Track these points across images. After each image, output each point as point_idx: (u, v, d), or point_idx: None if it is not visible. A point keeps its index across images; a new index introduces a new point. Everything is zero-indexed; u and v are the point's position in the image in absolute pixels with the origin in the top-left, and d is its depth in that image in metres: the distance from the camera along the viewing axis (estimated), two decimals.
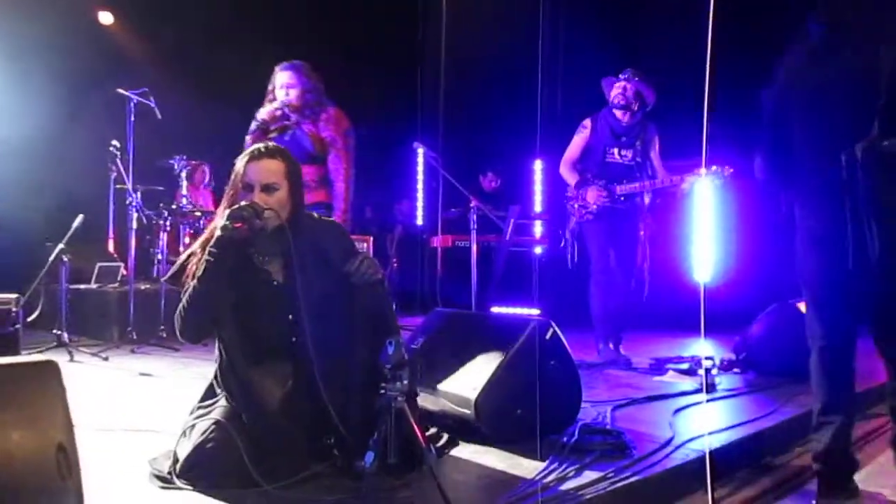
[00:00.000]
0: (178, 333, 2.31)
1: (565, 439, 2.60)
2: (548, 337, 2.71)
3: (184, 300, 2.28)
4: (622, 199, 4.73)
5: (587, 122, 4.86)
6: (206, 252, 2.25)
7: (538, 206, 8.01)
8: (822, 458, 2.43)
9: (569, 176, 4.89)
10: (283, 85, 3.82)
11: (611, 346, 4.73)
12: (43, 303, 5.33)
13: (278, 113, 3.83)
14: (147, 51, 7.41)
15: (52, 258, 4.96)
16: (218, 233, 2.25)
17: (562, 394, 2.76)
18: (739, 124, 7.64)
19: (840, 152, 2.27)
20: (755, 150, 2.76)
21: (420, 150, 5.54)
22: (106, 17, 7.48)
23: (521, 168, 8.12)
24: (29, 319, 4.97)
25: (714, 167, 4.56)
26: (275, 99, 3.85)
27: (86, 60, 6.62)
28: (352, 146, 3.90)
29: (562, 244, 4.96)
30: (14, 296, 4.59)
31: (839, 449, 2.42)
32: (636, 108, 4.73)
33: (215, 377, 2.34)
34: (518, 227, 6.20)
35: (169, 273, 2.47)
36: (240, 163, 2.41)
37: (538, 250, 6.75)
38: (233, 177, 2.43)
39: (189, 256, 2.40)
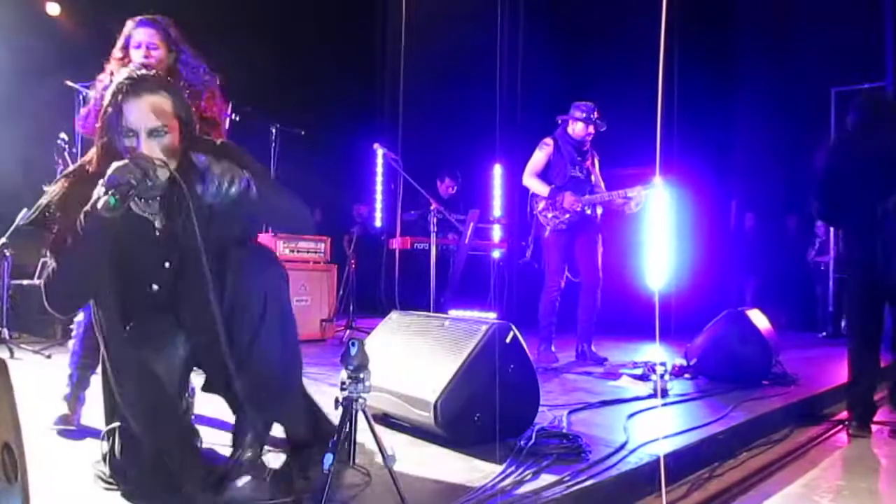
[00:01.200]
0: (46, 303, 1.92)
1: (523, 443, 2.60)
2: (508, 340, 2.70)
3: (50, 267, 1.91)
4: (587, 209, 5.04)
5: (549, 141, 5.12)
6: (79, 219, 1.84)
7: (497, 211, 8.05)
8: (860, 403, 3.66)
9: (539, 186, 5.06)
10: (143, 44, 3.02)
11: (553, 348, 5.02)
12: None
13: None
14: (96, 42, 7.22)
15: None
16: (94, 196, 1.82)
17: (520, 397, 2.75)
18: (694, 133, 7.83)
19: (877, 203, 3.47)
20: (811, 196, 3.82)
21: (380, 152, 5.50)
22: (53, 9, 7.29)
23: (479, 172, 8.14)
24: None
25: (655, 178, 4.90)
26: (126, 60, 3.01)
27: (33, 52, 6.43)
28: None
29: (528, 252, 5.14)
30: None
31: (870, 400, 3.67)
32: (594, 130, 5.09)
33: (102, 362, 2.01)
34: (477, 230, 6.22)
35: (28, 219, 2.19)
36: (110, 96, 1.95)
37: (496, 254, 6.77)
38: (103, 112, 1.99)
39: (51, 207, 2.00)
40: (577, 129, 5.05)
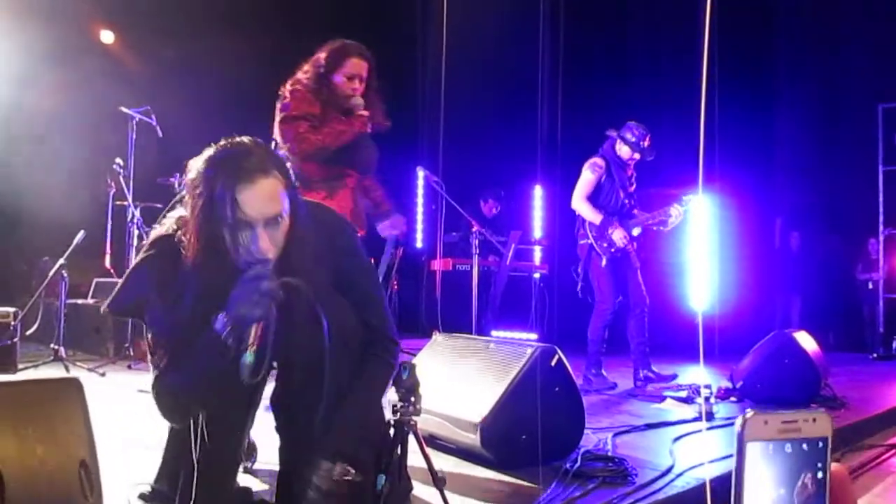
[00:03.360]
0: (157, 408, 1.75)
1: (568, 465, 2.61)
2: (553, 363, 2.73)
3: (165, 378, 1.74)
4: (634, 235, 4.96)
5: (602, 163, 4.93)
6: (200, 344, 1.69)
7: (538, 232, 8.06)
8: None
9: (591, 214, 4.89)
10: (357, 76, 3.01)
11: (603, 372, 4.92)
12: (41, 317, 5.33)
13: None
14: (148, 69, 7.46)
15: (52, 273, 4.97)
16: (220, 325, 1.68)
17: (565, 420, 2.77)
18: (736, 150, 7.75)
19: None
20: None
21: (421, 174, 5.58)
22: (107, 36, 7.54)
23: (520, 193, 8.18)
24: (27, 333, 4.97)
25: (691, 196, 4.84)
26: (326, 90, 2.99)
27: (88, 78, 6.66)
28: None
29: (578, 282, 5.00)
30: (12, 309, 4.62)
31: None
32: (642, 158, 4.98)
33: None
34: (518, 252, 6.25)
35: (114, 305, 1.90)
36: (217, 181, 1.70)
37: (537, 275, 6.79)
38: (204, 188, 1.71)
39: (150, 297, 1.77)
40: (623, 151, 4.92)
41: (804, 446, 0.48)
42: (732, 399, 4.48)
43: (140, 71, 7.47)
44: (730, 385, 4.60)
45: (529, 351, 2.74)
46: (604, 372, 4.90)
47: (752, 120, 8.50)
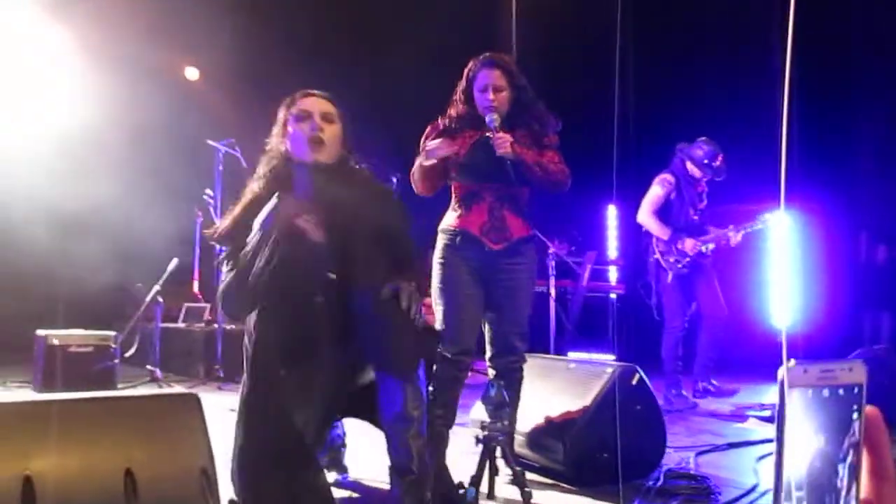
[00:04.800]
0: (221, 308, 2.30)
1: (650, 483, 2.64)
2: (634, 382, 2.76)
3: (232, 277, 2.17)
4: (703, 248, 4.86)
5: (671, 178, 4.89)
6: (267, 235, 2.11)
7: (613, 252, 8.03)
8: None
9: (658, 229, 4.86)
10: (490, 86, 2.86)
11: (684, 392, 4.83)
12: (138, 340, 5.63)
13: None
14: (231, 103, 7.80)
15: (148, 299, 5.25)
16: (255, 231, 2.14)
17: (647, 438, 2.79)
18: (817, 162, 7.56)
19: None
20: None
21: None
22: (192, 73, 7.91)
23: (593, 213, 8.17)
24: (126, 355, 5.25)
25: (770, 212, 4.74)
26: (465, 106, 2.92)
27: (175, 114, 7.01)
28: None
29: (652, 298, 4.95)
30: (112, 333, 4.90)
31: None
32: (712, 175, 4.90)
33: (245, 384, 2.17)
34: (594, 272, 6.25)
35: (213, 230, 2.34)
36: (289, 99, 2.39)
37: (614, 295, 6.77)
38: (279, 114, 2.39)
39: (230, 218, 2.30)
40: (691, 169, 4.87)
41: (841, 391, 0.54)
42: None
43: (223, 105, 7.83)
44: None
45: (610, 370, 2.78)
46: (684, 392, 4.84)
47: (834, 130, 8.27)
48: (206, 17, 6.68)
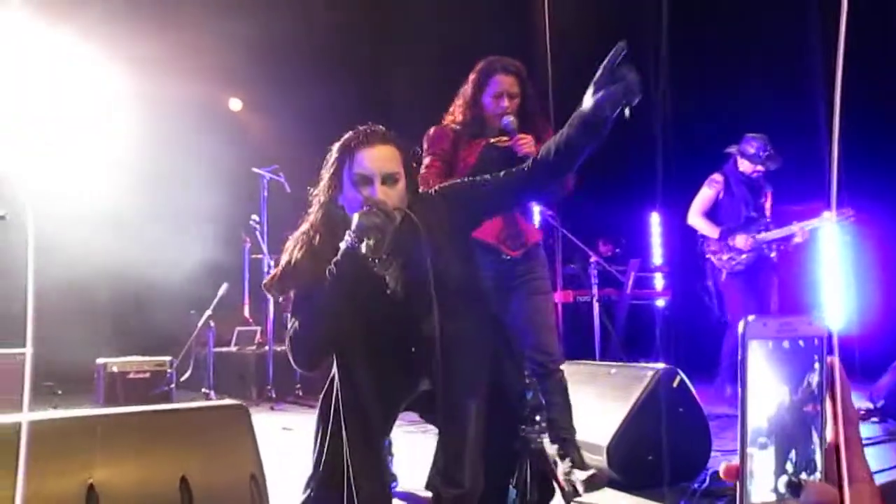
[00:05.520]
0: (291, 359, 2.00)
1: (696, 485, 2.64)
2: (675, 385, 2.77)
3: (296, 321, 2.00)
4: (764, 247, 4.76)
5: (719, 178, 4.86)
6: (330, 270, 1.94)
7: (657, 259, 7.98)
8: None
9: (707, 228, 4.81)
10: (505, 93, 2.80)
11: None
12: (192, 364, 5.79)
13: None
14: (273, 132, 8.00)
15: (200, 324, 5.41)
16: (344, 245, 1.93)
17: (691, 440, 2.80)
18: (865, 168, 7.40)
19: None
20: None
21: (536, 209, 5.69)
22: (235, 104, 8.15)
23: (637, 220, 8.13)
24: (182, 379, 5.41)
25: (841, 212, 4.60)
26: (477, 110, 2.85)
27: (220, 143, 7.21)
28: None
29: (713, 301, 4.89)
30: (168, 358, 5.06)
31: None
32: (766, 169, 4.81)
33: (321, 415, 1.99)
34: (638, 280, 6.23)
35: (269, 279, 2.14)
36: (343, 150, 2.05)
37: (660, 303, 6.72)
38: (332, 168, 2.07)
39: (292, 263, 2.07)
40: (744, 165, 4.80)
41: (801, 342, 0.57)
42: (873, 419, 4.29)
43: (267, 133, 8.04)
44: (870, 405, 4.41)
45: (651, 373, 2.80)
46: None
47: (885, 130, 8.08)
48: (246, 50, 6.89)
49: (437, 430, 2.06)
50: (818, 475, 0.57)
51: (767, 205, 4.91)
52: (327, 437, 1.93)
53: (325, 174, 2.09)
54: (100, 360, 4.90)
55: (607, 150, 3.04)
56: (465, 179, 2.30)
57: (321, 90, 7.15)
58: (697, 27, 7.87)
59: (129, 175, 6.27)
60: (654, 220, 8.25)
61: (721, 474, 0.62)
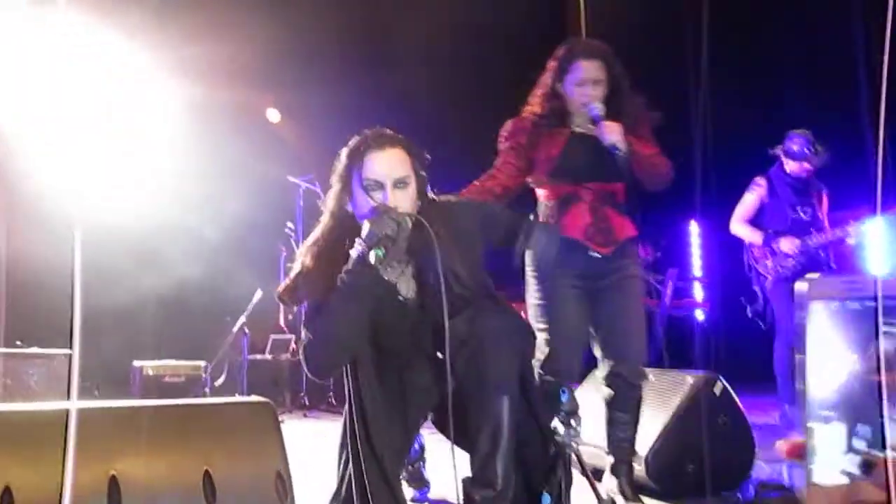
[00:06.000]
0: (305, 368, 1.99)
1: (739, 495, 2.54)
2: (717, 392, 2.67)
3: (309, 329, 1.98)
4: (820, 252, 4.47)
5: (761, 181, 4.63)
6: (341, 278, 1.90)
7: (697, 270, 7.83)
8: None
9: (750, 233, 4.62)
10: (588, 81, 2.56)
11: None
12: (226, 370, 5.81)
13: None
14: (310, 142, 8.03)
15: (235, 329, 5.43)
16: (355, 253, 1.90)
17: (734, 449, 2.69)
18: None
19: None
20: None
21: None
22: (273, 115, 8.21)
23: (675, 230, 8.00)
24: (216, 384, 5.43)
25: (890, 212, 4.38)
26: (558, 100, 2.63)
27: (258, 153, 7.26)
28: None
29: (749, 310, 4.66)
30: (202, 363, 5.09)
31: None
32: (814, 165, 4.53)
33: (344, 429, 2.01)
34: (677, 290, 6.11)
35: (281, 288, 2.11)
36: (352, 155, 2.01)
37: (700, 313, 6.58)
38: (341, 174, 2.04)
39: (304, 272, 2.04)
40: (790, 165, 4.53)
41: (869, 303, 0.50)
42: None
43: (303, 143, 8.08)
44: None
45: (691, 380, 2.71)
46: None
47: None
48: (286, 61, 6.95)
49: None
50: (891, 452, 0.51)
51: (823, 207, 4.63)
52: (349, 457, 1.95)
53: (335, 180, 2.07)
54: (136, 363, 4.94)
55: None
56: (475, 201, 2.34)
57: (358, 99, 7.17)
58: (737, 31, 7.70)
59: (168, 182, 6.34)
60: (693, 230, 8.11)
61: (783, 453, 0.55)
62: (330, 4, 6.91)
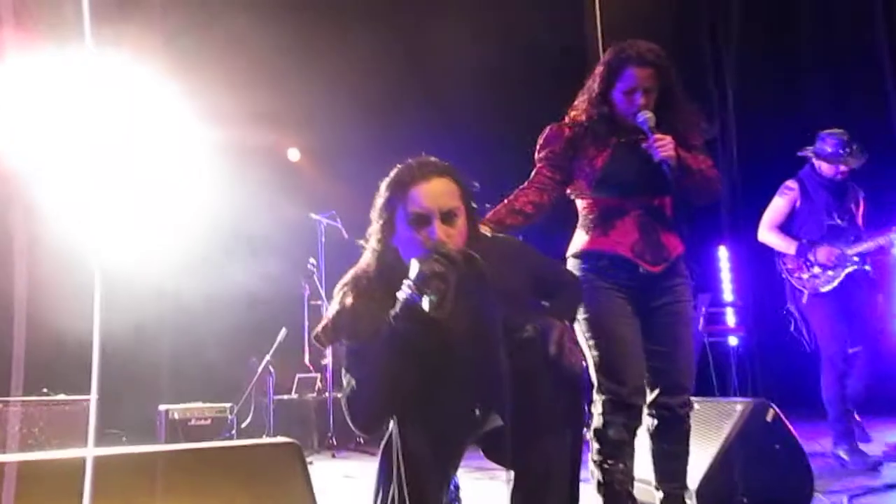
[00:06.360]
0: (350, 423, 1.81)
1: None
2: (768, 419, 2.53)
3: (352, 379, 1.78)
4: (857, 260, 4.05)
5: (793, 184, 4.22)
6: (388, 323, 1.73)
7: (728, 295, 7.64)
8: None
9: (780, 242, 4.17)
10: (640, 88, 2.40)
11: (856, 444, 3.90)
12: (253, 411, 5.71)
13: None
14: (330, 180, 8.03)
15: (260, 369, 5.34)
16: (402, 296, 1.71)
17: (789, 481, 2.54)
18: None
19: None
20: None
21: None
22: (294, 154, 8.25)
23: (704, 255, 7.84)
24: (242, 426, 5.33)
25: None
26: (612, 105, 2.45)
27: (279, 191, 7.25)
28: None
29: (799, 328, 4.18)
30: (228, 405, 5.00)
31: None
32: (850, 167, 4.15)
33: (381, 469, 1.81)
34: (709, 316, 5.93)
35: (320, 328, 1.91)
36: (395, 187, 1.83)
37: (734, 340, 6.39)
38: (382, 206, 1.86)
39: (344, 311, 1.84)
40: (824, 167, 4.13)
41: None
42: None
43: (323, 180, 8.08)
44: None
45: (740, 407, 2.57)
46: (861, 445, 3.90)
47: None
48: (306, 100, 6.98)
49: (504, 474, 1.86)
50: None
51: (859, 212, 4.24)
52: (385, 499, 1.75)
53: (375, 216, 1.89)
54: (162, 407, 4.86)
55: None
56: (527, 246, 2.14)
57: (378, 133, 7.18)
58: (760, 47, 7.58)
59: (190, 223, 6.33)
60: (723, 255, 7.94)
61: None
62: (347, 44, 6.95)
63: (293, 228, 6.98)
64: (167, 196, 6.49)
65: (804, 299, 4.09)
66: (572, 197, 2.57)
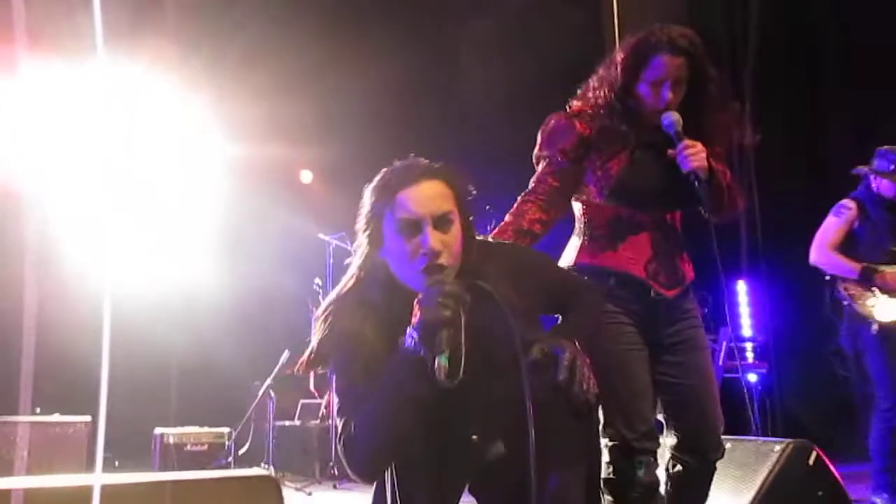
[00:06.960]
0: (347, 467, 1.58)
1: None
2: (810, 462, 2.31)
3: (350, 423, 1.57)
4: None
5: (850, 203, 3.83)
6: (393, 377, 1.55)
7: (747, 330, 7.45)
8: None
9: (841, 263, 3.72)
10: (670, 80, 2.05)
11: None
12: (252, 437, 5.52)
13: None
14: (342, 202, 7.91)
15: (260, 394, 5.17)
16: (406, 346, 1.52)
17: None
18: None
19: None
20: None
21: None
22: (306, 176, 8.19)
23: (724, 290, 7.64)
24: (240, 453, 5.14)
25: None
26: (637, 98, 2.09)
27: (292, 213, 7.16)
28: None
29: (852, 369, 3.78)
30: (226, 430, 4.81)
31: None
32: None
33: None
34: (729, 351, 5.73)
35: (302, 364, 1.77)
36: (378, 194, 1.64)
37: (753, 376, 6.18)
38: (368, 215, 1.66)
39: (326, 338, 1.67)
40: (883, 185, 3.77)
41: None
42: None
43: (335, 202, 7.97)
44: None
45: (778, 448, 2.36)
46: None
47: None
48: (318, 121, 6.93)
49: None
50: None
51: None
52: None
53: (360, 227, 1.69)
54: (157, 430, 4.69)
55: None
56: (538, 254, 1.89)
57: (393, 156, 7.07)
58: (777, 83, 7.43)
59: (194, 245, 6.24)
60: (741, 290, 7.76)
61: None
62: (358, 64, 6.88)
63: (300, 249, 6.87)
64: (172, 213, 6.41)
65: (873, 329, 3.61)
66: (575, 201, 2.24)
